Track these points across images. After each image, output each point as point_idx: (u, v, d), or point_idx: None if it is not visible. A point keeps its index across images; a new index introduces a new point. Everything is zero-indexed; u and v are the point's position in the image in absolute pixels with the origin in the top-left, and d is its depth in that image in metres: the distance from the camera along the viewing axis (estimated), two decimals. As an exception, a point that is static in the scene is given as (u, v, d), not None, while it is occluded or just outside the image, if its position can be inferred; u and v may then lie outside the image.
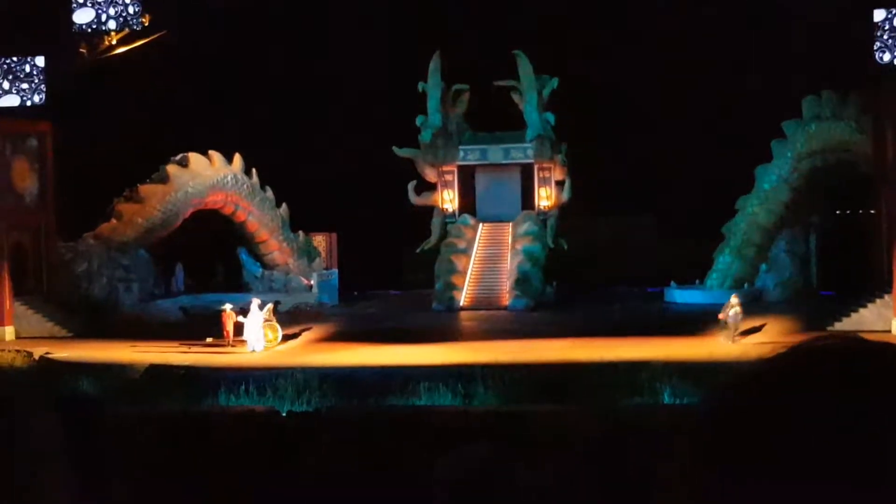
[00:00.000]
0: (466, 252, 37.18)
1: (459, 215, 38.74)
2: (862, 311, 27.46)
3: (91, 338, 27.18)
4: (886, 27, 26.59)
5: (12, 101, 36.85)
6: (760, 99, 33.57)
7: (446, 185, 39.39)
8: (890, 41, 26.53)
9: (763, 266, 35.05)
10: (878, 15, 26.65)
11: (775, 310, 31.57)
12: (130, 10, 38.48)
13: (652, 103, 38.82)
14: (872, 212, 31.03)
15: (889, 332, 26.19)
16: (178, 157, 36.49)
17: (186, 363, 21.31)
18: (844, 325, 26.80)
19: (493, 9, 39.07)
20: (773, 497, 0.91)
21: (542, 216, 38.06)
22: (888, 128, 27.80)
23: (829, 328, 26.38)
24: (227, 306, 26.79)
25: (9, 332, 29.30)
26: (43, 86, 35.53)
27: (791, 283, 34.55)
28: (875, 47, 26.65)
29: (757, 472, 0.91)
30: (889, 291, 27.16)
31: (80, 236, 33.97)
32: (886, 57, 26.70)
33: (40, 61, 35.56)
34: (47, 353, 23.41)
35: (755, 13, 29.86)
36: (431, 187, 39.64)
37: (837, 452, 0.90)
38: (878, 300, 27.51)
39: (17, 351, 23.40)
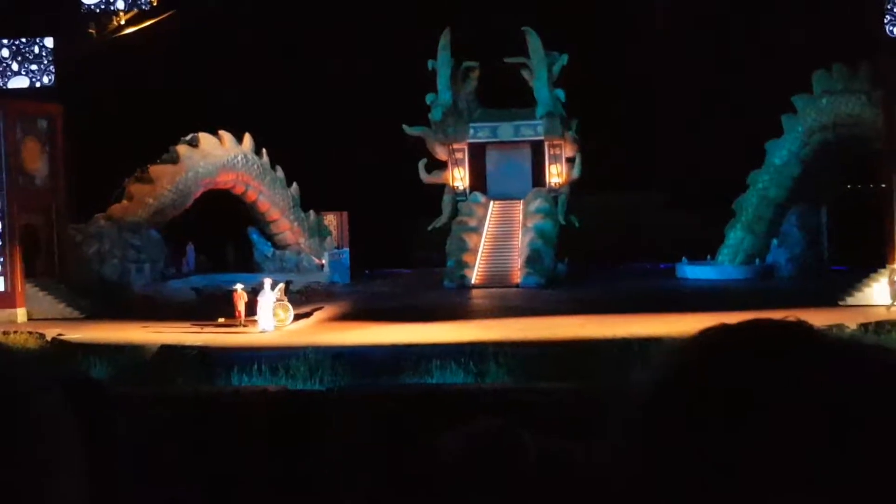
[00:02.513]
0: (477, 230, 37.17)
1: (470, 193, 38.70)
2: (873, 285, 27.39)
3: (103, 319, 27.30)
4: (897, 0, 26.40)
5: (22, 82, 36.85)
6: (771, 73, 33.34)
7: (457, 162, 39.34)
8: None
9: (774, 241, 34.96)
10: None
11: (786, 285, 31.58)
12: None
13: (663, 79, 38.61)
14: (883, 186, 30.89)
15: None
16: (189, 137, 36.54)
17: (199, 343, 21.41)
18: (855, 299, 26.75)
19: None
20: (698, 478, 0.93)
21: (553, 193, 37.99)
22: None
23: (840, 303, 26.33)
24: (239, 286, 26.86)
25: (21, 313, 29.46)
26: (52, 67, 35.47)
27: (802, 258, 34.45)
28: (885, 20, 26.40)
29: (680, 451, 0.93)
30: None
31: (92, 217, 34.07)
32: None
33: (49, 42, 35.48)
34: (60, 334, 23.52)
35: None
36: (442, 165, 39.59)
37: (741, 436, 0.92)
38: (888, 275, 27.42)
39: (30, 333, 23.52)
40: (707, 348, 0.96)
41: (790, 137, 34.48)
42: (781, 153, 34.70)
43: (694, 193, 36.73)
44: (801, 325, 0.97)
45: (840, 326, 19.76)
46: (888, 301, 26.12)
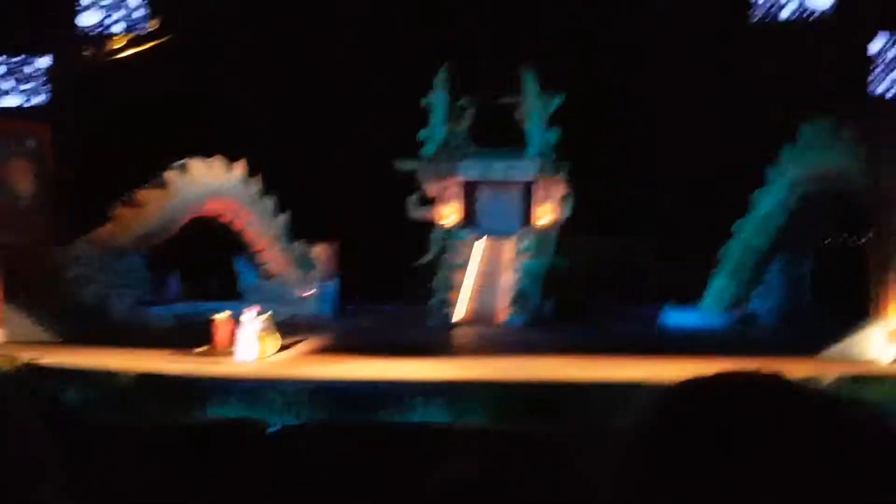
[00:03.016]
0: (465, 267, 37.19)
1: (459, 230, 38.76)
2: (854, 337, 27.47)
3: (81, 343, 26.94)
4: (881, 59, 26.80)
5: (14, 101, 36.85)
6: (759, 125, 33.71)
7: (447, 199, 39.43)
8: (883, 74, 26.77)
9: (757, 290, 35.16)
10: (874, 47, 26.86)
11: (768, 334, 31.68)
12: (137, 13, 38.50)
13: (655, 126, 38.92)
14: (865, 239, 31.15)
15: (880, 359, 26.17)
16: (179, 163, 36.47)
17: (177, 372, 21.21)
18: (835, 351, 26.79)
19: (501, 25, 39.19)
20: None
21: (542, 233, 38.09)
22: (882, 156, 28.03)
23: (820, 354, 26.38)
24: (221, 315, 26.70)
25: (-1, 335, 29.12)
26: (46, 87, 35.48)
27: (784, 307, 34.65)
28: (869, 79, 26.87)
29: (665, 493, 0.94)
30: (881, 319, 27.19)
31: (75, 240, 33.81)
32: (880, 89, 26.90)
33: (44, 62, 35.52)
34: (33, 358, 23.19)
35: (753, 44, 30.15)
36: (432, 201, 39.67)
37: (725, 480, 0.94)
38: (869, 327, 27.54)
39: (2, 355, 23.11)
40: (687, 400, 0.97)
41: (776, 188, 34.78)
42: (767, 203, 34.98)
43: (682, 240, 36.92)
44: (776, 379, 0.97)
45: (817, 379, 19.76)
46: (889, 357, 26.09)
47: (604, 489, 1.00)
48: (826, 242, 36.94)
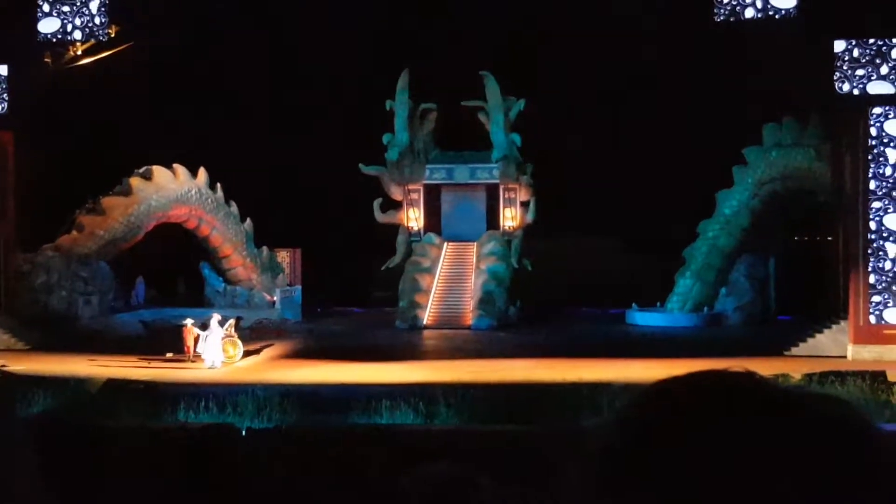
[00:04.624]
0: (431, 271, 37.22)
1: (425, 234, 38.79)
2: (818, 336, 27.84)
3: (49, 351, 26.77)
4: (846, 58, 27.16)
5: (-27, 109, 36.32)
6: (723, 125, 34.05)
7: (412, 203, 39.46)
8: (849, 72, 27.11)
9: (723, 290, 35.47)
10: (838, 46, 27.19)
11: (734, 333, 32.01)
12: (97, 20, 38.17)
13: (617, 127, 39.20)
14: (829, 238, 31.57)
15: (845, 357, 26.55)
16: (142, 169, 36.23)
17: (145, 378, 21.07)
18: (801, 349, 27.14)
19: (461, 28, 39.29)
20: None
21: (507, 236, 38.22)
22: (846, 155, 28.35)
23: (786, 353, 26.70)
24: (188, 321, 26.55)
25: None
26: (5, 95, 35.03)
27: (749, 307, 34.99)
28: (835, 77, 27.20)
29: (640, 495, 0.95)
30: (845, 318, 27.57)
31: (40, 248, 33.52)
32: (846, 87, 27.24)
33: (2, 70, 35.07)
34: (2, 365, 23.00)
35: (717, 43, 30.43)
36: (397, 205, 39.67)
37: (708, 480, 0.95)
38: (834, 326, 27.91)
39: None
40: (663, 398, 1.00)
41: (740, 188, 35.14)
42: (732, 203, 35.33)
43: (646, 240, 37.18)
44: (750, 376, 1.01)
45: (785, 376, 20.03)
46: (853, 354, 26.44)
47: (579, 491, 1.02)
48: (790, 242, 37.36)
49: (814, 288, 31.37)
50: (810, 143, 32.80)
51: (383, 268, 38.40)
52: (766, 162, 34.31)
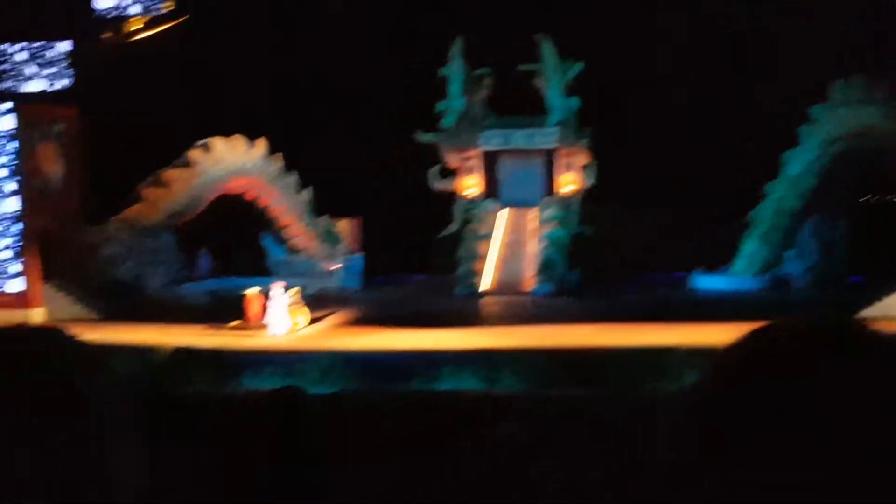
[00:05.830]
0: (489, 237, 37.12)
1: (482, 200, 38.66)
2: (889, 297, 27.19)
3: (118, 320, 27.34)
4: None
5: (39, 85, 37.02)
6: (789, 84, 33.27)
7: (469, 170, 39.29)
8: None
9: (790, 252, 34.77)
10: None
11: (802, 296, 31.40)
12: (152, -6, 38.51)
13: (679, 90, 38.55)
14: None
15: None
16: (202, 142, 36.64)
17: (212, 346, 21.40)
18: (871, 311, 26.54)
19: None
20: (746, 481, 0.91)
21: (566, 201, 37.91)
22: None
23: (856, 314, 26.13)
24: (252, 290, 26.91)
25: (38, 313, 29.73)
26: (69, 70, 35.64)
27: (818, 269, 34.25)
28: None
29: (730, 456, 0.91)
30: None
31: (107, 220, 34.20)
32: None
33: (65, 46, 35.66)
34: (77, 335, 23.51)
35: (782, 2, 29.71)
36: (454, 172, 39.57)
37: (796, 431, 0.90)
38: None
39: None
40: (762, 341, 0.94)
41: (807, 148, 34.34)
42: (798, 163, 34.56)
43: (710, 204, 36.58)
44: (859, 323, 0.95)
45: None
46: None
47: (666, 448, 0.97)
48: (860, 201, 36.44)
49: (886, 249, 30.61)
50: (880, 101, 31.90)
51: (441, 235, 38.38)
52: (833, 120, 33.44)
